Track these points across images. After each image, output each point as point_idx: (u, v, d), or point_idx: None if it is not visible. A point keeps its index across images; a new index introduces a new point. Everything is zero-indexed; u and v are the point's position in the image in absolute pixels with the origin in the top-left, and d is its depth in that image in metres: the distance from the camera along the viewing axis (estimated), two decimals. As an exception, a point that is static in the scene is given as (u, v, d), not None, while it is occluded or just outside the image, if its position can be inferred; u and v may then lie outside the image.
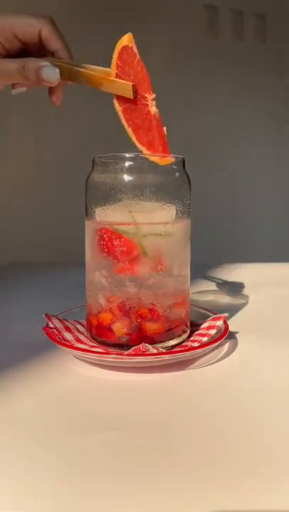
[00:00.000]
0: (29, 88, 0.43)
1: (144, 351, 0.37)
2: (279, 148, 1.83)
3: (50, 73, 0.39)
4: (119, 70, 0.38)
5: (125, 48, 0.37)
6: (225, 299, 0.64)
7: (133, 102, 0.39)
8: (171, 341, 0.41)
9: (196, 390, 0.35)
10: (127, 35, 0.37)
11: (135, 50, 0.37)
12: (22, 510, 0.22)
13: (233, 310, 0.57)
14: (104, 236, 0.40)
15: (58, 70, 0.39)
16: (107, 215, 0.40)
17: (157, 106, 0.39)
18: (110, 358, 0.38)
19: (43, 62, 0.39)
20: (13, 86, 0.42)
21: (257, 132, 1.80)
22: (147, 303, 0.39)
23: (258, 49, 1.75)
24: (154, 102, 0.38)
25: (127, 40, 0.37)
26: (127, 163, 0.39)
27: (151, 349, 0.38)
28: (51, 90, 0.42)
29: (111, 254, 0.39)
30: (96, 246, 0.40)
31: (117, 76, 0.38)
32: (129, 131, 0.39)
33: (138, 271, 0.39)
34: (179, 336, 0.42)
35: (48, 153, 1.51)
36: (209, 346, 0.40)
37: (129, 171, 0.39)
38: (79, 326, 0.45)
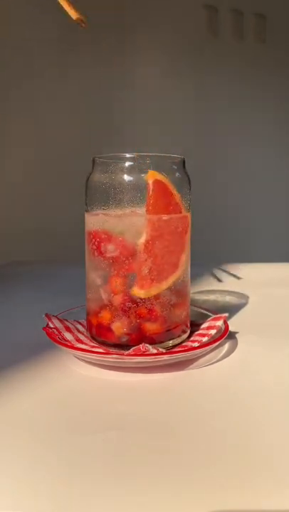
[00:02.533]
0: None
1: (144, 351, 0.37)
2: (279, 148, 1.83)
3: None
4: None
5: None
6: (225, 299, 0.64)
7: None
8: (170, 341, 0.41)
9: (196, 390, 0.35)
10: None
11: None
12: (22, 510, 0.22)
13: (233, 310, 0.57)
14: (101, 238, 0.40)
15: None
16: (102, 219, 0.40)
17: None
18: (110, 359, 0.38)
19: None
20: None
21: (257, 132, 1.80)
22: (146, 303, 0.39)
23: (258, 49, 1.75)
24: None
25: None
26: (127, 163, 0.39)
27: (151, 349, 0.38)
28: None
29: (109, 254, 0.39)
30: (95, 246, 0.40)
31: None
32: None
33: (136, 271, 0.39)
34: (179, 336, 0.42)
35: (47, 153, 1.51)
36: (209, 346, 0.40)
37: (130, 171, 0.39)
38: (79, 326, 0.45)
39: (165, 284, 0.40)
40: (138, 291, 0.39)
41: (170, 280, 0.40)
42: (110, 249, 0.40)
